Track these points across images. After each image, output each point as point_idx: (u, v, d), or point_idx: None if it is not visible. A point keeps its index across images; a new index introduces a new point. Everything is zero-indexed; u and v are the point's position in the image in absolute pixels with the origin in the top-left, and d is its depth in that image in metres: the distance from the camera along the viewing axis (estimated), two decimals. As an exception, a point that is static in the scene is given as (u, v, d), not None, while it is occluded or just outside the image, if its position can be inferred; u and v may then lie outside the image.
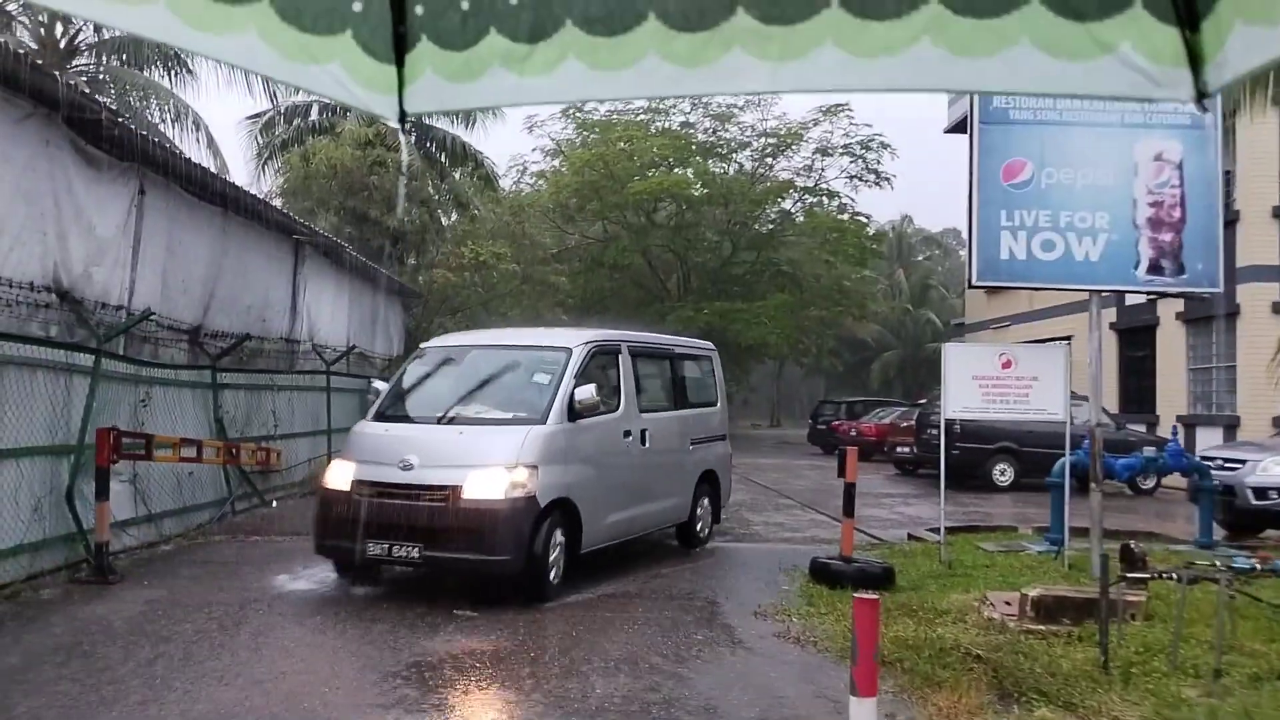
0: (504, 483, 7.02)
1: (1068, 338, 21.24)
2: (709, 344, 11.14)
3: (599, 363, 8.47)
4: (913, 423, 21.54)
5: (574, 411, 7.65)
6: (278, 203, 23.38)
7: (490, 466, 7.09)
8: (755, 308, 33.51)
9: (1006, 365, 8.90)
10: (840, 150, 34.84)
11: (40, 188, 8.00)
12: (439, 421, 7.81)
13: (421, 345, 9.43)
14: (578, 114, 35.15)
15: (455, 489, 7.01)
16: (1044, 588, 6.63)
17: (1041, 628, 6.18)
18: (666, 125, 35.21)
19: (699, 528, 9.96)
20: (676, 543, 9.98)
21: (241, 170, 37.71)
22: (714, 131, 35.63)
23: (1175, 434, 11.83)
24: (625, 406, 8.57)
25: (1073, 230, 8.53)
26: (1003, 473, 17.87)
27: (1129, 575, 6.37)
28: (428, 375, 8.80)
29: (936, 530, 10.19)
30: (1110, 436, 13.99)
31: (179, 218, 10.55)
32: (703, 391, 10.59)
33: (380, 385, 8.83)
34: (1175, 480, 15.18)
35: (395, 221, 22.81)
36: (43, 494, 7.94)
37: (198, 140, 19.71)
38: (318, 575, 8.12)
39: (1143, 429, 20.18)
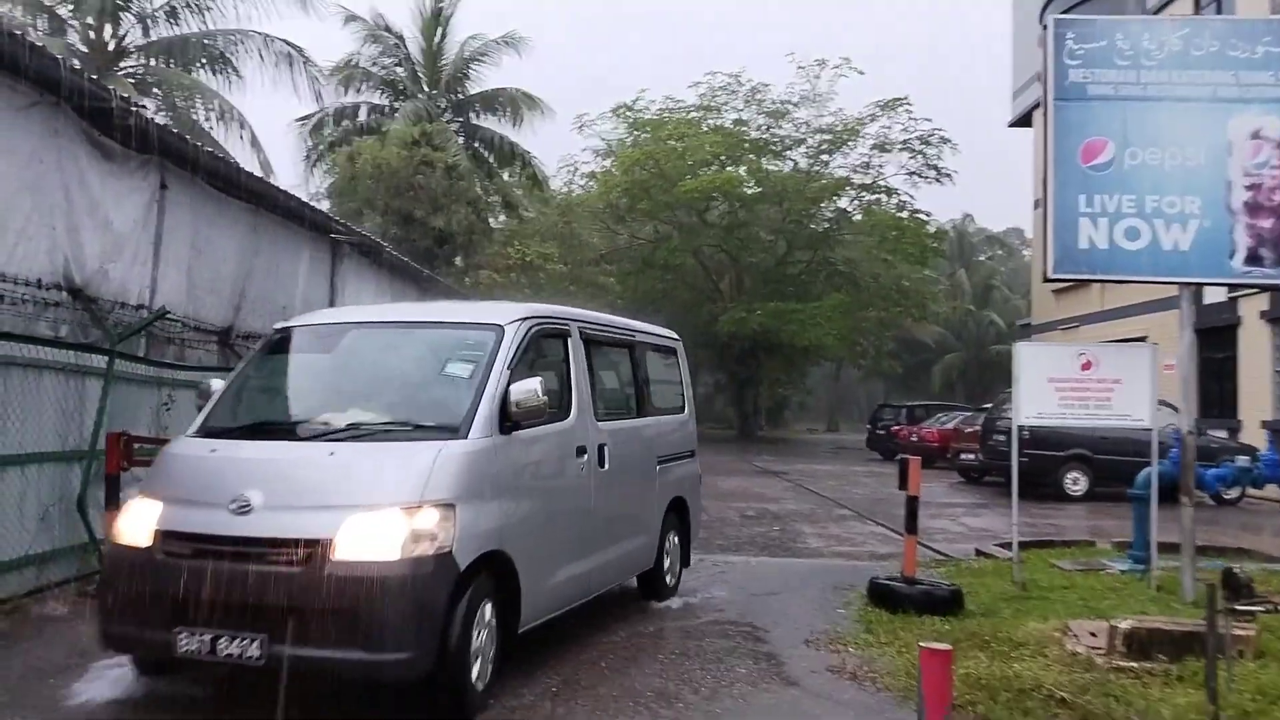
0: (400, 533, 4.56)
1: (1142, 338, 20.20)
2: (673, 333, 8.83)
3: (542, 349, 6.10)
4: (977, 428, 20.64)
5: (509, 418, 5.26)
6: (325, 204, 23.24)
7: (379, 508, 4.62)
8: (811, 308, 32.73)
9: (1086, 367, 8.10)
10: (899, 146, 33.97)
11: (48, 180, 7.59)
12: (299, 436, 5.28)
13: (278, 325, 6.54)
14: (629, 113, 34.67)
15: (321, 545, 4.51)
16: (1136, 618, 5.84)
17: (1135, 665, 5.41)
18: (719, 123, 34.54)
19: (667, 575, 7.76)
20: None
21: (291, 171, 37.89)
22: (768, 129, 34.89)
23: (1271, 442, 10.87)
24: (578, 412, 6.20)
25: (1160, 216, 7.73)
26: (1075, 482, 16.93)
27: (1239, 606, 5.56)
28: (286, 368, 6.16)
29: (1007, 545, 9.40)
30: (1193, 443, 13.07)
31: (205, 214, 10.14)
32: (669, 394, 8.31)
33: (218, 384, 5.94)
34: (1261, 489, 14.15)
35: (441, 221, 22.46)
36: (51, 502, 7.54)
37: (241, 138, 19.55)
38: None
39: (1224, 435, 19.06)
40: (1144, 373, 8.19)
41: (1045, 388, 8.22)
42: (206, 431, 5.52)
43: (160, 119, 17.73)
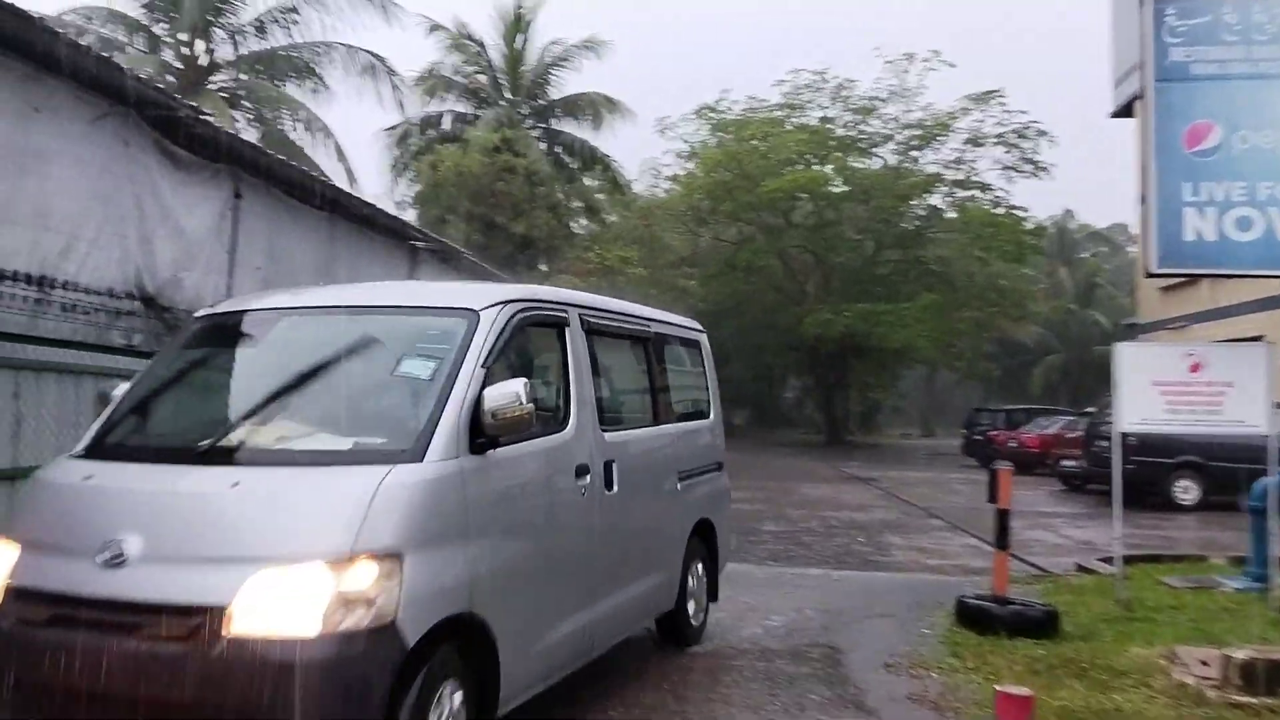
0: (322, 598, 3.32)
1: (1258, 338, 18.96)
2: (696, 324, 7.44)
3: (530, 342, 4.83)
4: (1080, 433, 19.73)
5: (482, 432, 3.94)
6: (410, 211, 23.53)
7: (293, 561, 3.38)
8: (901, 309, 31.86)
9: (1195, 369, 7.48)
10: (993, 140, 32.83)
11: (120, 190, 7.66)
12: (198, 458, 3.90)
13: (197, 313, 5.17)
14: (711, 114, 34.30)
15: (213, 613, 3.31)
16: (1254, 647, 5.29)
17: (1252, 700, 4.88)
18: (804, 121, 33.93)
19: (692, 616, 6.42)
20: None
21: (377, 180, 38.70)
22: (855, 125, 34.13)
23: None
24: (578, 421, 4.85)
25: (1275, 204, 7.17)
26: (1186, 490, 15.97)
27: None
28: (200, 367, 4.83)
29: (1110, 559, 8.78)
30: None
31: (280, 222, 10.19)
32: (691, 396, 7.02)
33: (122, 389, 4.59)
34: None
35: (523, 227, 22.54)
36: (124, 511, 7.61)
37: (325, 146, 19.91)
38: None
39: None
40: (1259, 375, 7.54)
41: (1149, 391, 7.63)
42: (93, 449, 4.18)
43: (250, 132, 18.11)
